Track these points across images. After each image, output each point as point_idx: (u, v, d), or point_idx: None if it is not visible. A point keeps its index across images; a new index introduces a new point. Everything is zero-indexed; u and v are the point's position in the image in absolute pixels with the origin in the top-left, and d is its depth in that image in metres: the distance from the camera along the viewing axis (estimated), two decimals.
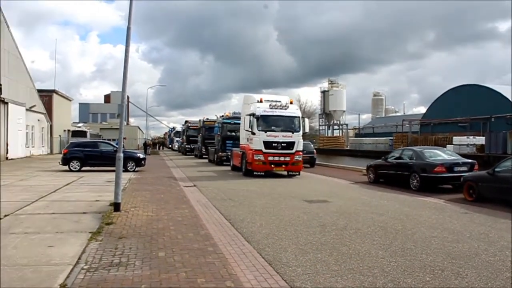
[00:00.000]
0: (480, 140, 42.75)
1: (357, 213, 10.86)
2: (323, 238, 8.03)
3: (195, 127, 47.34)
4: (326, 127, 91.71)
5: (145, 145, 53.13)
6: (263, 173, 20.57)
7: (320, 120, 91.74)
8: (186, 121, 55.40)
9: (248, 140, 21.25)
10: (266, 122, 20.58)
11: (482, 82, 59.36)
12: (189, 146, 49.22)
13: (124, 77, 10.78)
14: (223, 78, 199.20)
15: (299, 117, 21.38)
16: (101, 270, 5.79)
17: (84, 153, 23.20)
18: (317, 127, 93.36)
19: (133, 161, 23.47)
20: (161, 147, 76.25)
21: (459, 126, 55.00)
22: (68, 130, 51.99)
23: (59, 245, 7.02)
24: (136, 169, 23.42)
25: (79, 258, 6.30)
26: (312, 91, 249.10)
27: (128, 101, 75.41)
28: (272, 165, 20.44)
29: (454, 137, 45.59)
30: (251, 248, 7.23)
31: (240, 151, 22.96)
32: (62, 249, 6.74)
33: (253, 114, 20.50)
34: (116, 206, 10.27)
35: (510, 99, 49.23)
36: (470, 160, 16.66)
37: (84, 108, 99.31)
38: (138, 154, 25.09)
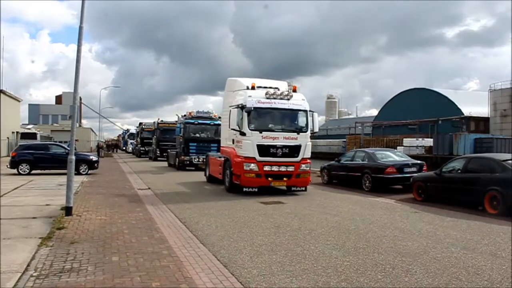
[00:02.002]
0: (429, 142, 44.25)
1: (311, 214, 11.04)
2: (278, 239, 8.11)
3: (150, 129, 46.80)
4: None
5: (98, 147, 51.89)
6: (256, 189, 14.72)
7: None
8: (140, 123, 54.55)
9: (234, 143, 15.49)
10: (261, 117, 14.95)
11: (430, 86, 61.74)
12: (143, 149, 48.61)
13: (76, 77, 10.55)
14: (179, 79, 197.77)
15: (306, 110, 15.40)
16: (51, 277, 5.63)
17: (34, 156, 22.45)
18: None
19: (86, 164, 22.93)
20: (115, 150, 74.66)
21: (409, 128, 56.78)
22: (17, 132, 50.07)
23: (6, 252, 6.76)
24: (89, 172, 22.87)
25: (28, 265, 6.10)
26: None
27: (80, 102, 73.28)
28: (270, 178, 14.69)
29: (404, 139, 46.96)
30: (206, 251, 7.22)
31: (222, 157, 17.19)
32: (10, 256, 6.49)
33: (242, 107, 14.68)
34: (67, 210, 10.00)
35: (456, 103, 51.36)
36: (419, 161, 17.24)
37: (34, 109, 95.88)
38: (91, 157, 24.54)
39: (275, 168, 14.69)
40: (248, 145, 14.56)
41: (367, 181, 16.37)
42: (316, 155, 59.25)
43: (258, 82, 16.13)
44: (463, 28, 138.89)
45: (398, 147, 40.32)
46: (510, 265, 6.49)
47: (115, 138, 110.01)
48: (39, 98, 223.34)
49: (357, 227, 9.32)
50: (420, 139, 46.22)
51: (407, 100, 59.60)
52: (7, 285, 5.27)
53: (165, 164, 33.70)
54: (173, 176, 22.80)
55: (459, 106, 50.71)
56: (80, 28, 10.69)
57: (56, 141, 40.38)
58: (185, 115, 29.69)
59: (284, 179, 14.94)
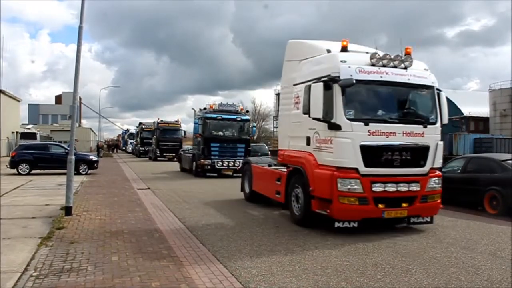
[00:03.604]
0: None
1: None
2: (277, 239, 8.11)
3: (149, 129, 46.88)
4: None
5: (98, 147, 51.90)
6: (355, 224, 8.51)
7: (275, 122, 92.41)
8: (140, 123, 54.56)
9: (311, 143, 9.24)
10: (366, 98, 9.04)
11: None
12: (143, 149, 48.65)
13: (75, 77, 10.56)
14: (179, 79, 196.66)
15: (433, 87, 9.38)
16: (51, 277, 5.63)
17: (33, 156, 22.44)
18: (272, 129, 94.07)
19: (86, 164, 22.92)
20: (115, 150, 74.67)
21: None
22: (17, 132, 50.08)
23: (6, 252, 6.76)
24: (89, 172, 22.86)
25: (28, 265, 6.10)
26: (267, 93, 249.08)
27: (80, 102, 73.12)
28: (381, 205, 8.50)
29: None
30: (206, 251, 7.21)
31: (281, 168, 11.16)
32: (10, 256, 6.50)
33: (332, 79, 8.52)
34: (67, 210, 9.99)
35: (455, 103, 51.41)
36: None
37: (34, 109, 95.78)
38: (91, 157, 24.55)
39: (390, 188, 8.54)
40: (345, 146, 8.41)
41: None
42: None
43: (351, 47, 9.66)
44: (464, 28, 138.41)
45: None
46: (510, 265, 6.51)
47: (115, 138, 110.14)
48: (39, 98, 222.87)
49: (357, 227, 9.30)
50: None
51: None
52: (6, 285, 5.27)
53: (170, 164, 32.44)
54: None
55: (458, 106, 50.71)
56: (80, 28, 10.69)
57: (55, 141, 40.39)
58: (204, 109, 23.75)
59: (404, 205, 8.72)
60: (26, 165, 22.18)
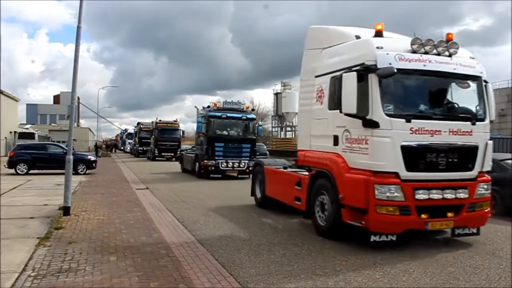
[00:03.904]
0: None
1: None
2: (276, 239, 8.11)
3: (148, 129, 46.83)
4: (279, 128, 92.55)
5: (96, 147, 51.85)
6: (394, 237, 7.30)
7: (273, 121, 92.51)
8: (138, 123, 54.54)
9: (340, 143, 8.11)
10: (407, 90, 7.95)
11: None
12: (141, 148, 48.58)
13: (74, 77, 10.56)
14: (177, 79, 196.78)
15: (480, 78, 8.17)
16: (49, 277, 5.62)
17: (31, 156, 22.41)
18: (270, 129, 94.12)
19: (84, 164, 22.88)
20: (113, 149, 74.64)
21: None
22: (15, 132, 50.01)
23: (4, 252, 6.74)
24: (87, 171, 22.84)
25: (26, 265, 6.09)
26: (265, 93, 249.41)
27: (78, 102, 73.00)
28: (424, 215, 7.31)
29: None
30: (204, 251, 7.20)
31: (300, 171, 10.00)
32: (8, 256, 6.48)
33: (366, 69, 7.42)
34: (65, 210, 9.98)
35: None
36: None
37: (32, 109, 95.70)
38: (89, 157, 24.52)
39: (435, 195, 7.40)
40: (384, 147, 7.29)
41: None
42: None
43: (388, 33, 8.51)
44: (462, 28, 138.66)
45: None
46: (509, 265, 6.52)
47: (114, 138, 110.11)
48: (37, 97, 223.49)
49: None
50: None
51: None
52: (5, 285, 5.26)
53: (169, 164, 32.31)
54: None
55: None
56: (78, 27, 10.67)
57: (54, 141, 40.32)
58: (208, 107, 22.64)
59: (449, 214, 7.55)
60: (24, 165, 22.16)
